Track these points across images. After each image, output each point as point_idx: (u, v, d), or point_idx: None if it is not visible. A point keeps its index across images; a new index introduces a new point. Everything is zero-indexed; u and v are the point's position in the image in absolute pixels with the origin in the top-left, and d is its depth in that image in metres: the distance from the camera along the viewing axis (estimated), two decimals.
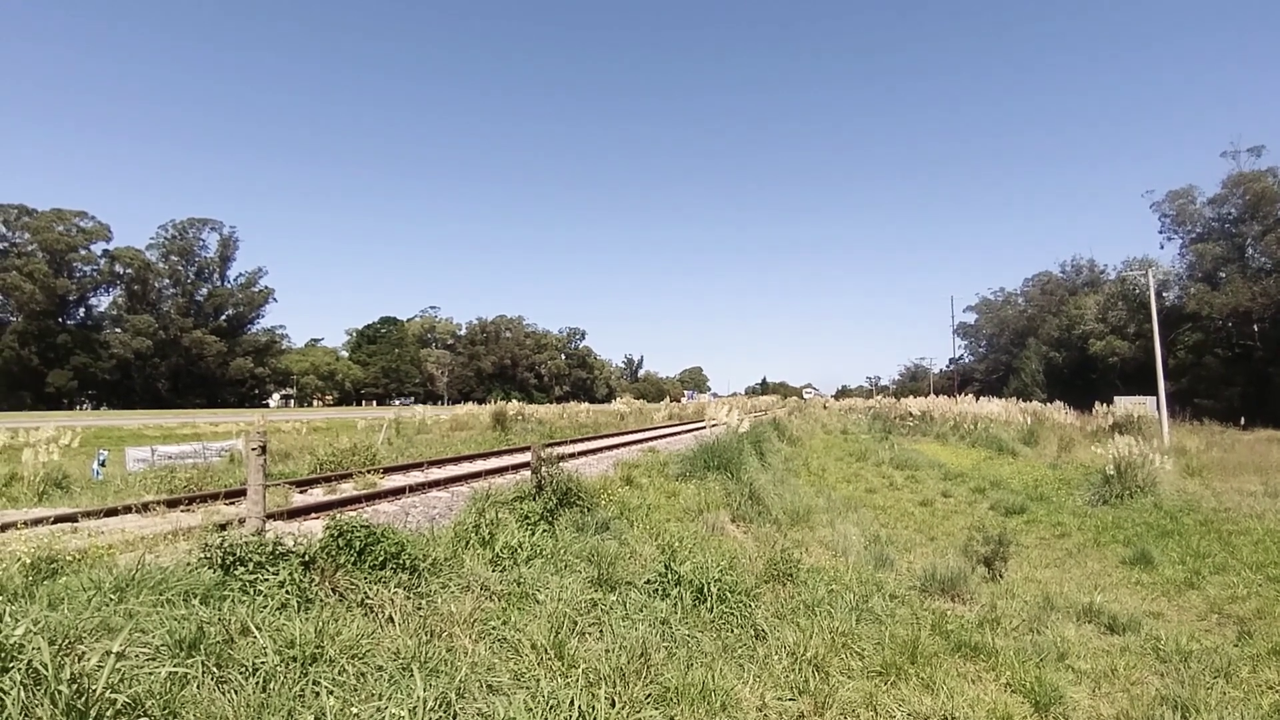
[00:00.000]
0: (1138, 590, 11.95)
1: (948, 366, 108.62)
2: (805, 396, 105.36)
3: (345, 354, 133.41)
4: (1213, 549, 13.63)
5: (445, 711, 4.06)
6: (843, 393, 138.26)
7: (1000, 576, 12.51)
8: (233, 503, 10.10)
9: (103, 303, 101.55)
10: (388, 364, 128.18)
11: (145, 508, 9.55)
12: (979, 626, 8.59)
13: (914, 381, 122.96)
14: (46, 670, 3.15)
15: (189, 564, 5.41)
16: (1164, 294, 60.54)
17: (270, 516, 7.71)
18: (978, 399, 48.01)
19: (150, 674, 3.60)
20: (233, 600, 4.74)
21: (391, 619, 5.16)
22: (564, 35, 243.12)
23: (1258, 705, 6.75)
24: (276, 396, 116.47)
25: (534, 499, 9.60)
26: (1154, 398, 34.22)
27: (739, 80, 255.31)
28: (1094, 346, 70.02)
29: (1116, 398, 39.56)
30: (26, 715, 3.00)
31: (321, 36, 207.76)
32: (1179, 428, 34.15)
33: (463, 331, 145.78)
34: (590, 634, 5.78)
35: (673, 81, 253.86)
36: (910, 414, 43.23)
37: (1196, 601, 11.15)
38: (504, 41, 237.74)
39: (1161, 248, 72.82)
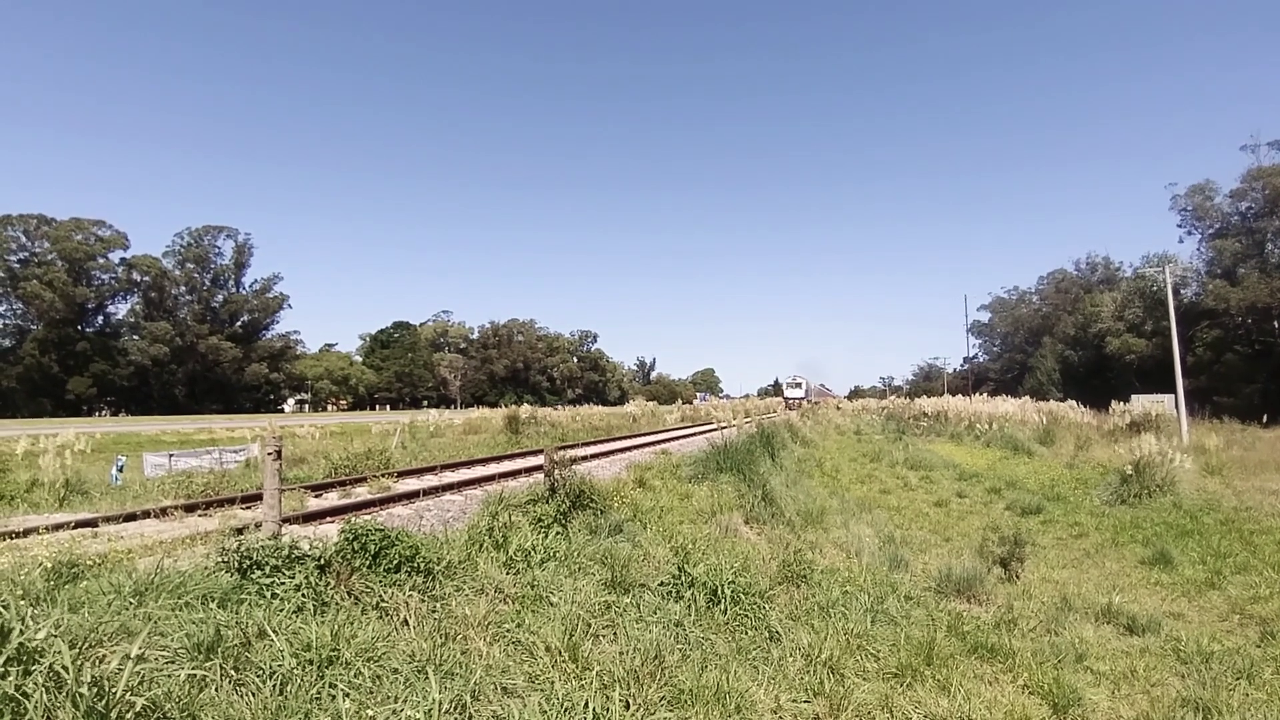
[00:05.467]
0: (1157, 591, 11.80)
1: (962, 366, 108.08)
2: (788, 395, 73.91)
3: (359, 359, 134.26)
4: (1234, 548, 13.45)
5: (460, 714, 4.08)
6: (856, 393, 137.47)
7: (1017, 577, 12.40)
8: (249, 507, 10.19)
9: (120, 310, 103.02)
10: (401, 368, 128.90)
11: (163, 512, 9.65)
12: (995, 628, 8.52)
13: (928, 381, 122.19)
14: (68, 673, 3.18)
15: (206, 568, 5.46)
16: (1182, 291, 59.69)
17: (286, 520, 7.78)
18: (992, 398, 47.60)
19: (169, 677, 3.63)
20: (249, 604, 4.77)
21: (406, 622, 5.18)
22: (574, 37, 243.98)
23: None
24: (291, 401, 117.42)
25: (547, 502, 9.62)
26: (1172, 396, 33.79)
27: (750, 80, 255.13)
28: (1110, 345, 69.27)
29: (1134, 396, 39.07)
30: (48, 717, 3.04)
31: (333, 42, 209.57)
32: (1198, 426, 33.68)
33: (475, 335, 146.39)
34: (604, 636, 5.78)
35: (683, 82, 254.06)
36: (924, 414, 42.97)
37: (1218, 602, 11.00)
38: (514, 45, 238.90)
39: (1181, 241, 71.77)
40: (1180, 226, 69.21)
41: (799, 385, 76.68)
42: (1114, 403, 36.72)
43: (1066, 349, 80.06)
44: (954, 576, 10.93)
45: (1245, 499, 17.48)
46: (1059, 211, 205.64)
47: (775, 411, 46.26)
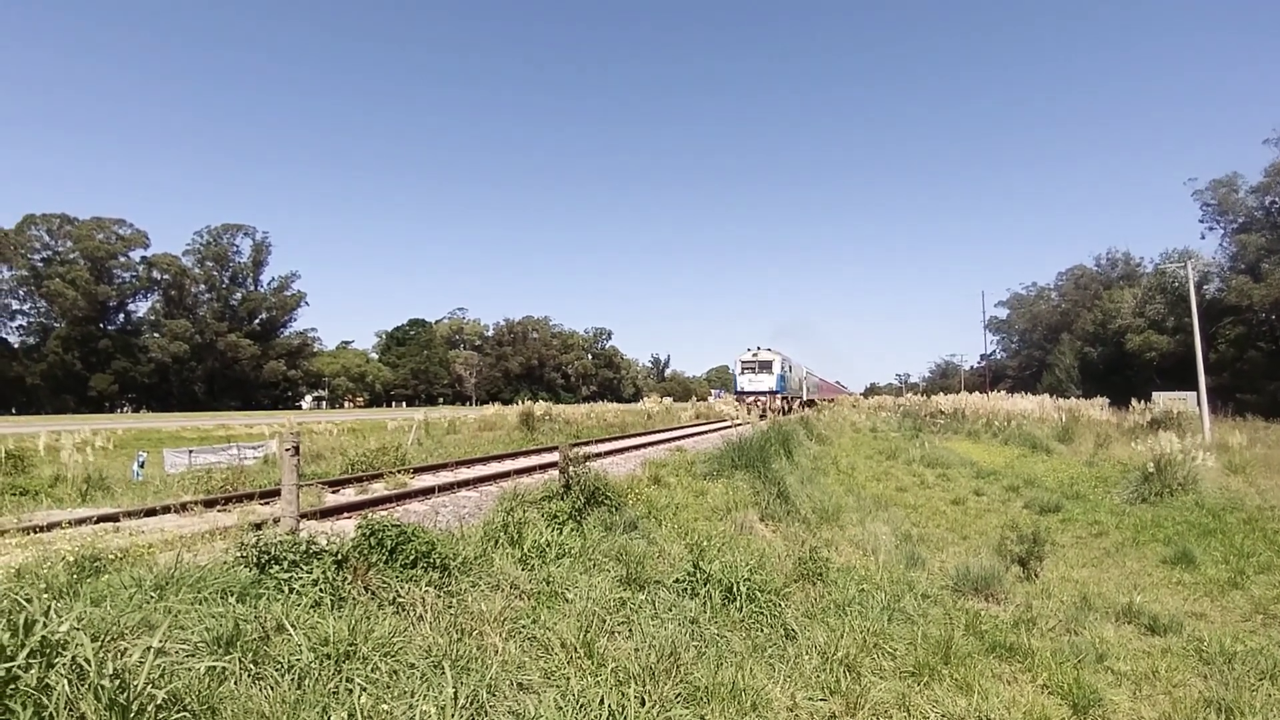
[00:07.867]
0: (1179, 590, 11.64)
1: (979, 363, 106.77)
2: (746, 387, 42.83)
3: (375, 356, 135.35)
4: (1257, 548, 13.24)
5: (476, 709, 4.09)
6: (872, 390, 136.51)
7: (1035, 576, 12.27)
8: (267, 503, 10.28)
9: (141, 308, 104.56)
10: (417, 365, 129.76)
11: (183, 508, 9.75)
12: (1014, 627, 8.43)
13: (944, 379, 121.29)
14: (90, 665, 3.22)
15: (226, 562, 5.51)
16: (1204, 286, 58.70)
17: (304, 516, 7.84)
18: (1010, 395, 47.13)
19: (189, 670, 3.67)
20: (268, 598, 4.82)
21: (422, 617, 5.20)
22: (590, 36, 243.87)
23: None
24: (309, 398, 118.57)
25: (562, 498, 9.63)
26: (1194, 393, 33.31)
27: (767, 78, 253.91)
28: (1131, 341, 68.34)
29: (1155, 393, 38.56)
30: (71, 709, 3.08)
31: (350, 45, 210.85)
32: (1220, 423, 33.16)
33: (490, 333, 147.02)
34: (619, 633, 5.78)
35: (700, 81, 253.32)
36: (941, 411, 42.58)
37: (1240, 601, 10.83)
38: (530, 44, 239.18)
39: (1203, 238, 70.47)
40: (1202, 221, 68.09)
41: (766, 366, 42.41)
42: (1134, 400, 36.26)
43: (1085, 346, 79.11)
44: (972, 575, 10.83)
45: (1269, 498, 17.20)
46: (1078, 207, 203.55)
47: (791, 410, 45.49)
